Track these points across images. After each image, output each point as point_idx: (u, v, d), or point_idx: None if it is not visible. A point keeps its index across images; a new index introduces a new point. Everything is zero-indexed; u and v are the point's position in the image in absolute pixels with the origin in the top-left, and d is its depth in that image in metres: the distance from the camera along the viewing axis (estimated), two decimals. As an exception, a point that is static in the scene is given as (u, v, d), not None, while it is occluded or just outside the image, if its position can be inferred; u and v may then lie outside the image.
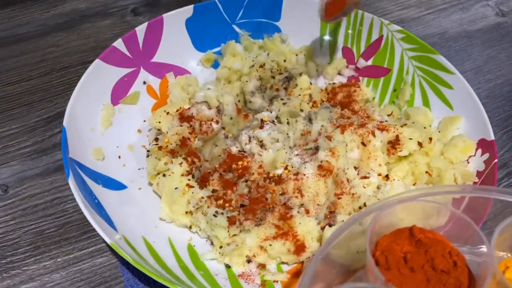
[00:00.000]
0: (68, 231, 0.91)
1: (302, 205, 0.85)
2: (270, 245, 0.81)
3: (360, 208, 0.83)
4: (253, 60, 1.05)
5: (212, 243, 0.86)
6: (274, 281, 0.80)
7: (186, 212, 0.85)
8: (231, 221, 0.81)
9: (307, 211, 0.84)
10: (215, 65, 1.11)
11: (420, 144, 0.91)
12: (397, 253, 0.64)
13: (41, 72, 1.18)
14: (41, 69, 1.19)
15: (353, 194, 0.85)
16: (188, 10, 1.08)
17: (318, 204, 0.85)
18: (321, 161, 0.86)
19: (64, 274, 0.86)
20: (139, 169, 0.94)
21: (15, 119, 1.08)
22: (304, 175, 0.85)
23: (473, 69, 1.25)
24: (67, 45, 1.25)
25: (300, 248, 0.80)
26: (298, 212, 0.83)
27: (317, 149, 0.88)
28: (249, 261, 0.82)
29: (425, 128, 0.94)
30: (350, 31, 1.12)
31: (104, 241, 0.90)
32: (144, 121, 1.01)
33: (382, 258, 0.64)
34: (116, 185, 0.88)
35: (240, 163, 0.88)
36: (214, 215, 0.81)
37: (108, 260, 0.88)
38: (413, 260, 0.64)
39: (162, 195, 0.86)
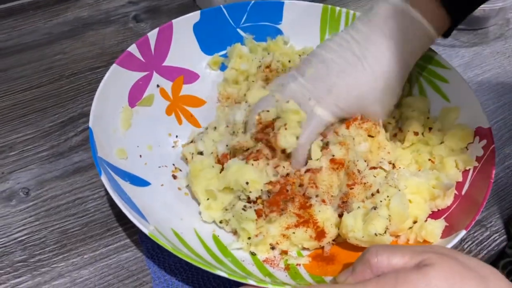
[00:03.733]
0: (92, 229, 0.95)
1: (317, 196, 0.90)
2: (294, 232, 0.86)
3: (372, 195, 0.89)
4: (259, 61, 1.10)
5: (234, 234, 0.90)
6: (297, 265, 0.85)
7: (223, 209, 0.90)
8: (258, 214, 0.86)
9: (323, 201, 0.89)
10: (222, 67, 1.16)
11: (416, 133, 0.98)
12: None
13: (51, 79, 1.21)
14: (50, 76, 1.22)
15: (365, 183, 0.91)
16: (195, 16, 1.12)
17: (332, 196, 0.90)
18: (333, 155, 0.91)
19: (92, 269, 0.89)
20: (159, 167, 0.98)
21: (29, 124, 1.11)
22: (318, 169, 0.91)
23: (461, 65, 1.34)
24: (73, 52, 1.29)
25: (320, 234, 0.86)
26: (316, 201, 0.88)
27: (327, 144, 0.93)
28: (272, 248, 0.87)
29: (426, 113, 1.02)
30: (348, 32, 1.18)
31: (128, 237, 0.94)
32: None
33: None
34: (141, 182, 0.92)
35: (260, 158, 0.93)
36: (243, 209, 0.85)
37: (134, 255, 0.92)
38: None
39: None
